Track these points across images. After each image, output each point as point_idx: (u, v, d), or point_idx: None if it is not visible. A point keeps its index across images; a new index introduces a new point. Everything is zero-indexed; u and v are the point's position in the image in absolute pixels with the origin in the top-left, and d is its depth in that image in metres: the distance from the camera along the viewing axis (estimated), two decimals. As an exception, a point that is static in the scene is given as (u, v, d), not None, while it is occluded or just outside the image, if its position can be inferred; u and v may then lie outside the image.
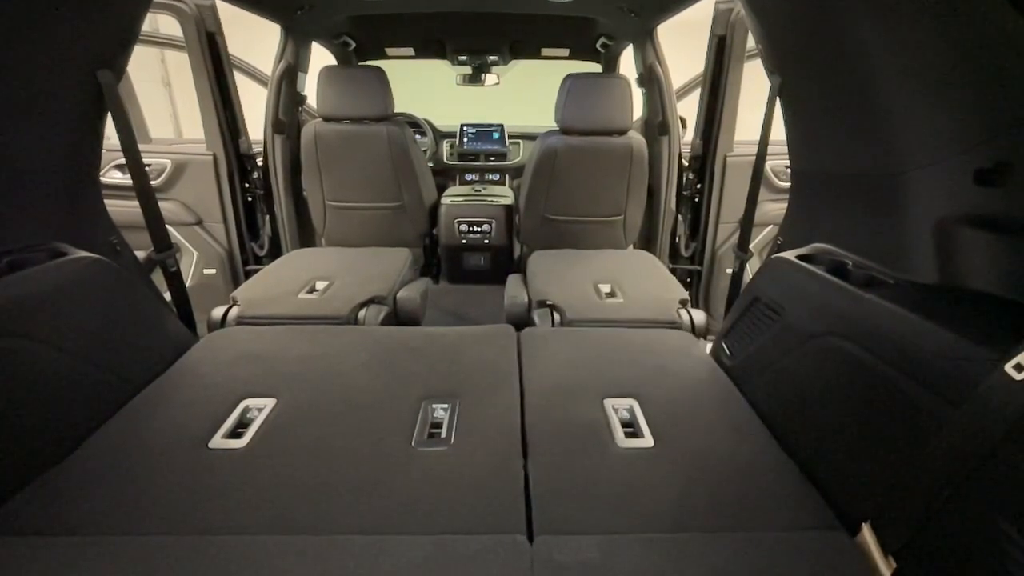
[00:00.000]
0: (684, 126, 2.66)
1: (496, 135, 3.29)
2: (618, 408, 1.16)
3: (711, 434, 1.08)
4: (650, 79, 2.55)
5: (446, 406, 1.15)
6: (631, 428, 1.11)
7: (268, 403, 1.16)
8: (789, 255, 1.21)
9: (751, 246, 1.81)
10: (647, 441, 1.05)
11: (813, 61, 1.16)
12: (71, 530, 0.83)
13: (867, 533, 0.82)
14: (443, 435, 1.07)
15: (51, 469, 0.95)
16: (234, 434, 1.07)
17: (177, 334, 1.44)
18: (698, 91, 2.45)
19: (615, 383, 1.25)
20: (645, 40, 2.49)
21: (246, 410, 1.14)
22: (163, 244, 1.51)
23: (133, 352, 1.24)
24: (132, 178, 1.40)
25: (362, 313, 1.71)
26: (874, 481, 0.83)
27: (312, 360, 1.34)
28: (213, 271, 2.49)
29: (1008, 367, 0.61)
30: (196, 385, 1.24)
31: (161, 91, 6.71)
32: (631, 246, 2.51)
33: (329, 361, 1.34)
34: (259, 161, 2.52)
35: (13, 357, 0.95)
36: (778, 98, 1.36)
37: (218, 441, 1.04)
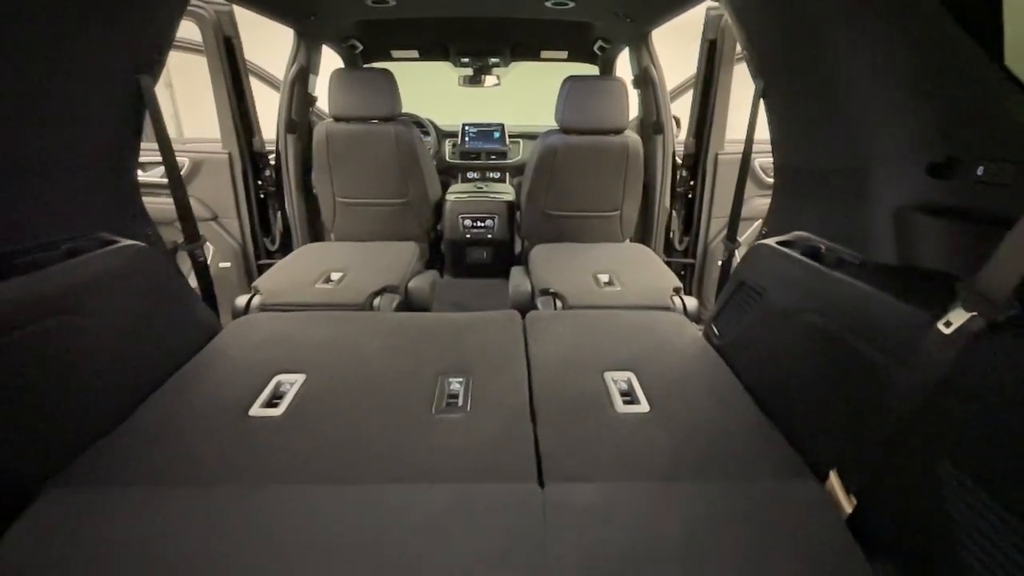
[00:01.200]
0: (679, 125, 2.78)
1: (497, 134, 3.41)
2: (617, 380, 1.28)
3: (700, 401, 1.20)
4: (645, 81, 2.68)
5: (461, 380, 1.27)
6: (629, 396, 1.23)
7: (299, 378, 1.27)
8: (770, 242, 1.34)
9: (742, 239, 1.93)
10: (643, 407, 1.18)
11: (792, 66, 1.29)
12: (137, 481, 0.94)
13: (833, 479, 0.94)
14: (459, 404, 1.19)
15: (111, 432, 1.06)
16: (270, 404, 1.19)
17: (206, 318, 1.56)
18: (691, 92, 2.57)
19: (614, 358, 1.37)
20: (640, 44, 2.62)
21: (279, 384, 1.25)
22: (193, 235, 1.62)
23: (172, 332, 1.36)
24: (167, 174, 1.51)
25: (376, 301, 1.82)
26: (839, 434, 0.96)
27: (335, 342, 1.45)
28: (228, 264, 2.60)
29: (939, 325, 0.73)
30: (230, 363, 1.35)
31: (163, 92, 6.80)
32: (627, 240, 2.64)
33: (351, 342, 1.45)
34: (271, 159, 2.63)
35: (75, 332, 1.06)
36: (762, 99, 1.49)
37: (257, 410, 1.16)
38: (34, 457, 0.94)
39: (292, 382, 1.26)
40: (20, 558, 0.79)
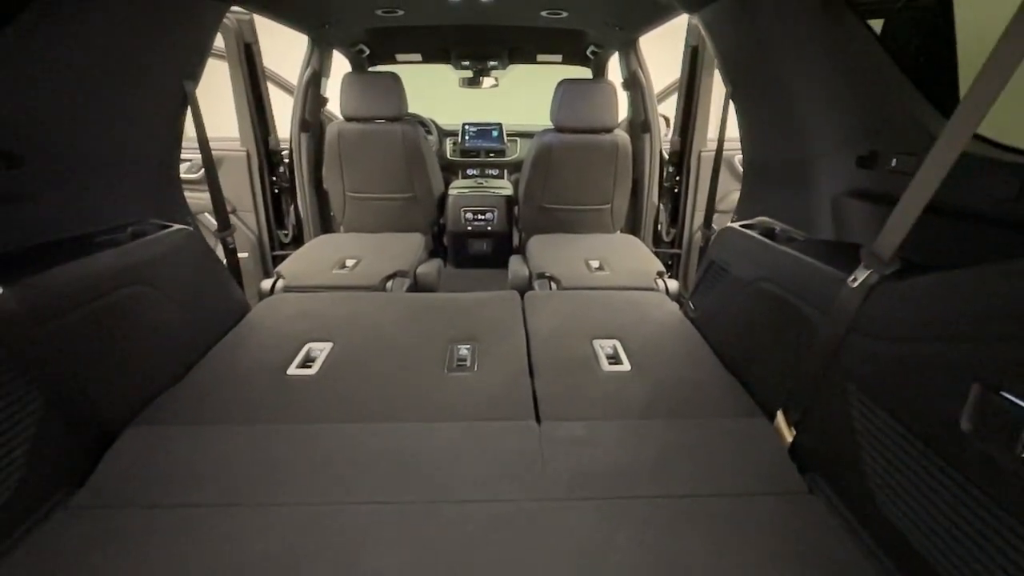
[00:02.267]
0: (668, 124, 2.99)
1: (495, 133, 3.60)
2: (604, 346, 1.48)
3: (674, 361, 1.41)
4: (633, 84, 2.88)
5: (468, 346, 1.47)
6: (614, 358, 1.43)
7: (327, 346, 1.46)
8: (735, 225, 1.54)
9: (718, 228, 2.14)
10: (626, 367, 1.38)
11: (753, 74, 1.49)
12: (204, 421, 1.13)
13: (779, 417, 1.15)
14: (468, 365, 1.38)
15: (174, 386, 1.26)
16: (304, 365, 1.38)
17: (239, 296, 1.75)
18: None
19: (602, 329, 1.57)
20: (629, 50, 2.82)
21: (310, 350, 1.45)
22: (224, 224, 1.81)
23: (215, 304, 1.55)
24: (204, 169, 1.70)
25: (389, 284, 2.02)
26: (783, 378, 1.16)
27: (356, 316, 1.65)
28: (245, 255, 2.78)
29: (848, 281, 0.94)
30: (265, 333, 1.54)
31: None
32: (618, 231, 2.84)
33: (370, 317, 1.65)
34: (285, 157, 2.81)
35: (147, 299, 1.25)
36: (732, 102, 1.69)
37: (294, 371, 1.35)
38: (117, 403, 1.13)
39: (322, 348, 1.45)
40: (111, 485, 0.97)
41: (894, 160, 1.08)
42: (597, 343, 1.49)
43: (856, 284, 0.92)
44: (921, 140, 1.01)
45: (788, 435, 1.11)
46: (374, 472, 1.00)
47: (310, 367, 1.37)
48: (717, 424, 1.16)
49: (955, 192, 0.83)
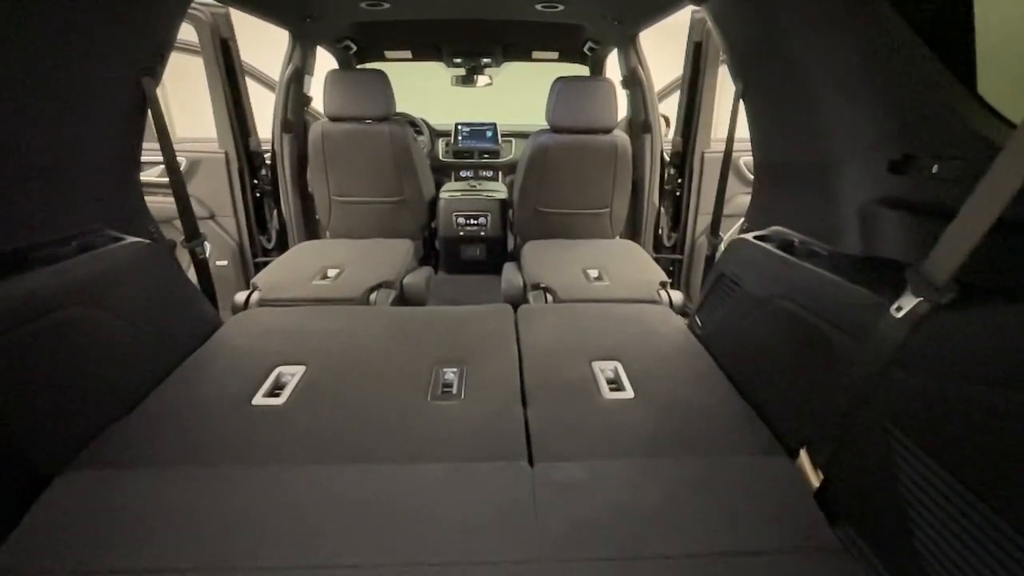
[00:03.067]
0: (668, 124, 2.86)
1: (489, 133, 3.47)
2: (604, 368, 1.34)
3: (681, 386, 1.27)
4: (633, 81, 2.75)
5: (455, 370, 1.33)
6: (615, 383, 1.29)
7: (299, 370, 1.33)
8: (748, 236, 1.41)
9: (725, 235, 2.01)
10: (628, 393, 1.24)
11: (767, 70, 1.36)
12: (152, 463, 1.00)
13: (803, 455, 1.01)
14: (454, 392, 1.25)
15: (122, 418, 1.12)
16: (272, 394, 1.24)
17: (208, 313, 1.61)
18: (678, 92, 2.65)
19: (601, 348, 1.44)
20: (628, 45, 2.69)
21: (280, 375, 1.31)
22: (193, 233, 1.67)
23: (176, 325, 1.41)
24: (168, 173, 1.56)
25: (373, 296, 1.88)
26: (807, 411, 1.03)
27: (333, 335, 1.51)
28: (225, 263, 2.64)
29: (891, 309, 0.80)
30: (233, 355, 1.40)
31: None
32: (617, 236, 2.71)
33: (349, 335, 1.51)
34: (267, 159, 2.67)
35: (90, 322, 1.11)
36: (742, 101, 1.56)
37: (259, 399, 1.21)
38: (51, 443, 0.99)
39: (293, 373, 1.32)
40: (38, 542, 0.84)
41: (935, 166, 0.94)
42: (596, 365, 1.36)
43: (902, 313, 0.78)
44: (968, 142, 0.88)
45: (815, 478, 0.98)
46: (340, 525, 0.87)
47: (278, 396, 1.23)
48: (732, 463, 1.02)
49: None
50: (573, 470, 1.00)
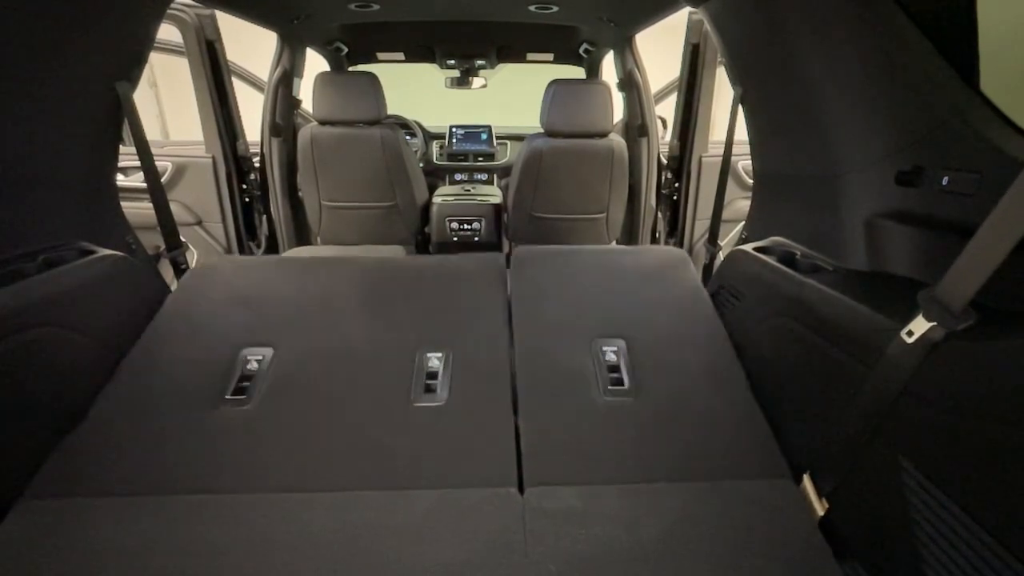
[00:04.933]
0: (665, 127, 2.81)
1: (484, 136, 3.41)
2: (605, 351, 1.26)
3: (690, 382, 1.19)
4: (629, 84, 2.70)
5: (439, 355, 1.25)
6: (615, 375, 1.21)
7: (267, 353, 1.23)
8: (748, 247, 1.36)
9: (723, 242, 1.96)
10: (630, 396, 1.16)
11: (768, 75, 1.31)
12: (107, 491, 0.94)
13: (807, 482, 0.96)
14: (438, 390, 1.17)
15: (76, 429, 1.04)
16: (238, 390, 1.15)
17: None
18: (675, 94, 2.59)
19: (606, 320, 1.34)
20: (624, 47, 2.64)
21: (246, 361, 1.21)
22: (174, 242, 1.61)
23: None
24: (146, 180, 1.50)
25: None
26: (811, 436, 0.98)
27: (304, 305, 1.39)
28: (213, 269, 2.58)
29: (903, 334, 0.75)
30: (191, 334, 1.29)
31: (147, 92, 6.72)
32: (614, 242, 2.66)
33: (322, 305, 1.39)
34: (256, 163, 2.61)
35: (56, 344, 1.05)
36: (741, 105, 1.51)
37: (225, 402, 1.12)
38: (11, 472, 0.94)
39: (260, 357, 1.22)
40: None
41: (945, 177, 0.90)
42: (596, 347, 1.28)
43: (913, 339, 0.73)
44: (981, 153, 0.83)
45: (819, 507, 0.93)
46: (315, 565, 0.81)
47: (245, 391, 1.14)
48: (735, 489, 0.97)
49: None
50: (566, 496, 0.95)
